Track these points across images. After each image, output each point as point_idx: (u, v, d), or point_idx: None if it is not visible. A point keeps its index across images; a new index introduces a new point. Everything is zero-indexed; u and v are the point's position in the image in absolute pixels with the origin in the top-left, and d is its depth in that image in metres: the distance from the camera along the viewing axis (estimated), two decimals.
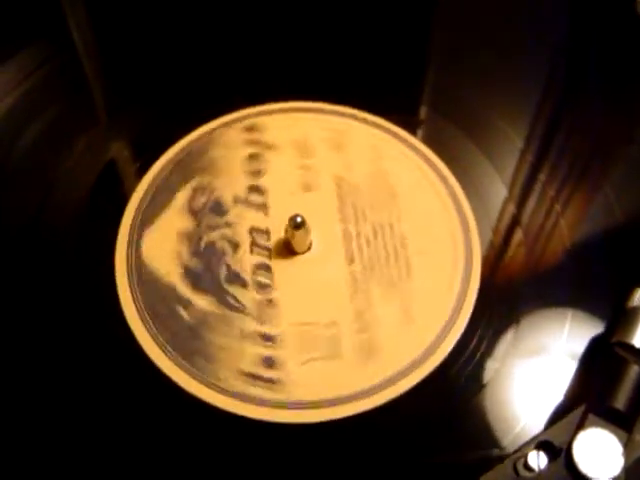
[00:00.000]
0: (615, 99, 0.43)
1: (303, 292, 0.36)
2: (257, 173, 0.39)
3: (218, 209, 0.38)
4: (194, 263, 0.36)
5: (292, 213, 0.35)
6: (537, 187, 0.40)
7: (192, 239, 0.37)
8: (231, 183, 0.39)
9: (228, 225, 0.38)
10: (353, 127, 0.41)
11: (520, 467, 0.30)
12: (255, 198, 0.39)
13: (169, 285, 0.36)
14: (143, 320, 0.35)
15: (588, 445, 0.30)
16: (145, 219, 0.38)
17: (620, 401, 0.30)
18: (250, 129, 0.41)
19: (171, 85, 0.44)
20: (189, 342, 0.34)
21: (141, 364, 0.34)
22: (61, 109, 0.43)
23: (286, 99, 0.43)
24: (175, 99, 0.43)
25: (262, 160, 0.40)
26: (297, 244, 0.36)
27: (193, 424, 0.32)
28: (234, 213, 0.38)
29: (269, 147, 0.41)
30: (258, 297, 0.35)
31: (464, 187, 0.39)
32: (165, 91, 0.44)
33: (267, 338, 0.34)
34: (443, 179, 0.39)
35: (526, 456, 0.30)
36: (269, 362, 0.34)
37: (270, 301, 0.35)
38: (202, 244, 0.37)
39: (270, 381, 0.33)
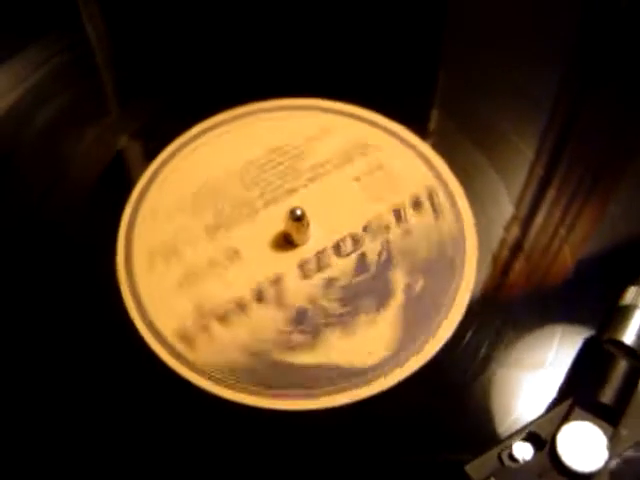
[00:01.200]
0: (630, 112, 0.43)
1: None
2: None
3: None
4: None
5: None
6: (544, 201, 0.39)
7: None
8: None
9: None
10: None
11: (505, 457, 0.30)
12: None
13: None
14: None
15: (573, 437, 0.29)
16: None
17: (607, 396, 0.30)
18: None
19: (184, 76, 0.45)
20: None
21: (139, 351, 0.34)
22: (73, 98, 0.43)
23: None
24: (189, 89, 0.44)
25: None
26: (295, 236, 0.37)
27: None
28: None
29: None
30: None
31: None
32: (177, 81, 0.44)
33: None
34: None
35: (511, 447, 0.30)
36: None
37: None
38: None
39: None
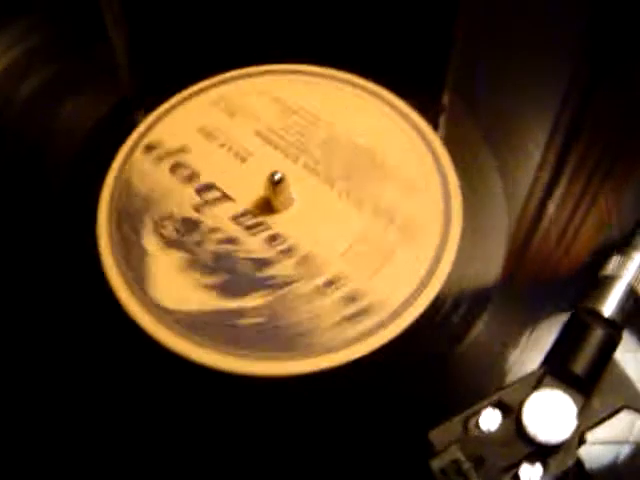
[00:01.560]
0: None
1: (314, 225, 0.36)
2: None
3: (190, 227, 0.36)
4: (215, 279, 0.35)
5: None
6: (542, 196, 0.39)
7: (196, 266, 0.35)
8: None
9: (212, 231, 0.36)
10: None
11: (471, 425, 0.29)
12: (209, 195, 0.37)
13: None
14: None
15: (541, 406, 0.28)
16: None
17: (580, 365, 0.29)
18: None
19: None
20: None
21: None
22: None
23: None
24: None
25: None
26: (276, 201, 0.36)
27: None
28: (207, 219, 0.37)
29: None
30: (291, 261, 0.35)
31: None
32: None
33: (328, 283, 0.34)
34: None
35: (479, 414, 0.29)
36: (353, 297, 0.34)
37: (305, 257, 0.35)
38: (210, 258, 0.35)
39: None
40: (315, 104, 0.40)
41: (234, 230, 0.36)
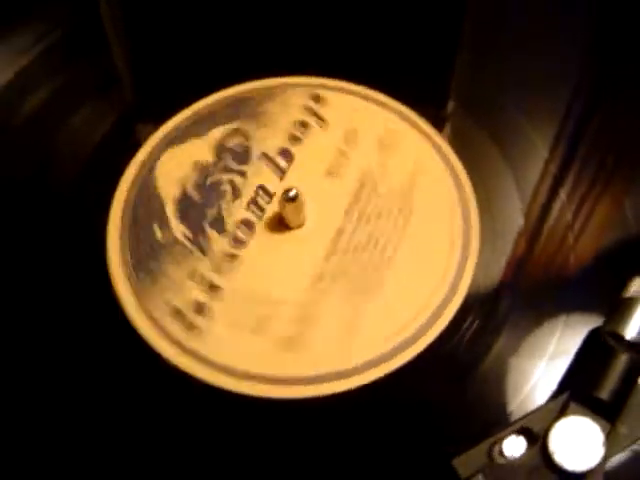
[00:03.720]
0: None
1: (269, 263, 0.34)
2: (296, 140, 0.38)
3: (242, 156, 0.38)
4: (193, 193, 0.36)
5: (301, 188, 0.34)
6: (555, 197, 0.38)
7: (204, 172, 0.37)
8: (268, 139, 0.38)
9: (242, 174, 0.37)
10: (408, 133, 0.39)
11: (495, 452, 0.28)
12: (280, 161, 0.38)
13: (160, 203, 0.36)
14: (123, 220, 0.36)
15: (567, 434, 0.28)
16: (172, 140, 0.38)
17: (605, 391, 0.28)
18: (315, 99, 0.40)
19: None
20: (146, 258, 0.34)
21: (97, 252, 0.34)
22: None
23: (359, 81, 0.41)
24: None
25: (308, 130, 0.39)
26: (288, 217, 0.35)
27: (107, 329, 0.33)
28: (254, 166, 0.37)
29: (321, 121, 0.39)
30: (227, 249, 0.35)
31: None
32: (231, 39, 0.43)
33: (212, 287, 0.33)
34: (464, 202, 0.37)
35: (502, 441, 0.28)
36: (200, 308, 0.33)
37: (235, 257, 0.34)
38: (209, 180, 0.37)
39: (191, 325, 0.32)
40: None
41: (248, 191, 0.36)
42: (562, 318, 0.33)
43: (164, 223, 0.35)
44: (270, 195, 0.36)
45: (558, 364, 0.32)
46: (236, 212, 0.36)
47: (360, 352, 0.32)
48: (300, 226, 0.35)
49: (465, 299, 0.33)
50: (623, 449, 0.28)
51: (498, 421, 0.30)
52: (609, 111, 0.42)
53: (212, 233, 0.35)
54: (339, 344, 0.32)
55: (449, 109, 0.41)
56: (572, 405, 0.28)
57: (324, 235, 0.35)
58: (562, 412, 0.28)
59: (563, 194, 0.38)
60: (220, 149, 0.38)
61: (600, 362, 0.29)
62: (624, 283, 0.32)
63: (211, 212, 0.36)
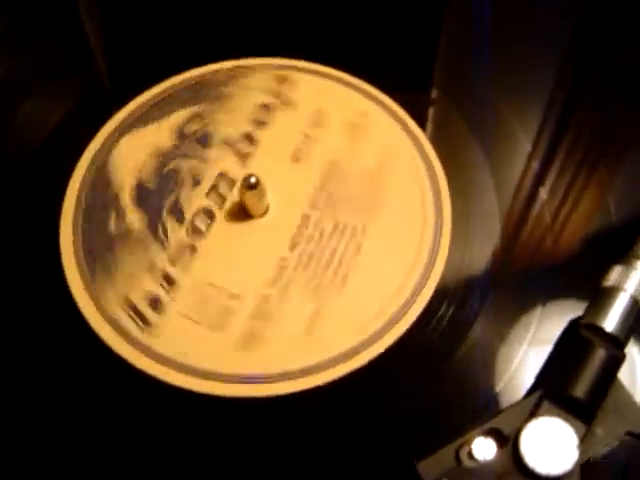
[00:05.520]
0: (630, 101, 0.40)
1: (229, 255, 0.32)
2: (260, 124, 0.36)
3: (203, 141, 0.36)
4: (151, 181, 0.34)
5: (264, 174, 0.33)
6: (535, 184, 0.36)
7: (162, 158, 0.35)
8: (230, 123, 0.36)
9: (203, 160, 0.35)
10: (379, 116, 0.37)
11: (463, 455, 0.26)
12: (243, 147, 0.36)
13: (116, 191, 0.34)
14: (77, 210, 0.34)
15: (539, 436, 0.26)
16: (130, 125, 0.36)
17: (581, 389, 0.26)
18: (280, 80, 0.38)
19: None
20: (101, 249, 0.32)
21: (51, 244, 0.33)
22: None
23: (329, 63, 0.39)
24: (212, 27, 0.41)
25: (272, 113, 0.37)
26: (249, 206, 0.33)
27: (59, 322, 0.31)
28: (216, 152, 0.35)
29: (286, 103, 0.37)
30: (185, 239, 0.33)
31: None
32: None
33: (168, 280, 0.32)
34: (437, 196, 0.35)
35: (471, 443, 0.26)
36: (155, 303, 0.31)
37: (193, 248, 0.32)
38: (168, 166, 0.35)
39: (145, 321, 0.31)
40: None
41: (208, 178, 0.35)
42: (538, 310, 0.31)
43: (119, 212, 0.33)
44: (232, 182, 0.34)
45: (535, 357, 0.30)
46: (195, 200, 0.34)
47: (325, 348, 0.30)
48: (263, 214, 0.33)
49: (437, 290, 0.31)
50: (598, 452, 0.26)
51: (469, 420, 0.28)
52: (593, 99, 0.40)
53: (170, 223, 0.33)
54: (303, 340, 0.30)
55: (431, 95, 0.39)
56: (545, 404, 0.26)
57: (288, 224, 0.33)
58: (534, 412, 0.26)
59: (545, 182, 0.36)
60: (180, 134, 0.36)
61: (576, 357, 0.27)
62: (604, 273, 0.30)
63: (169, 201, 0.34)
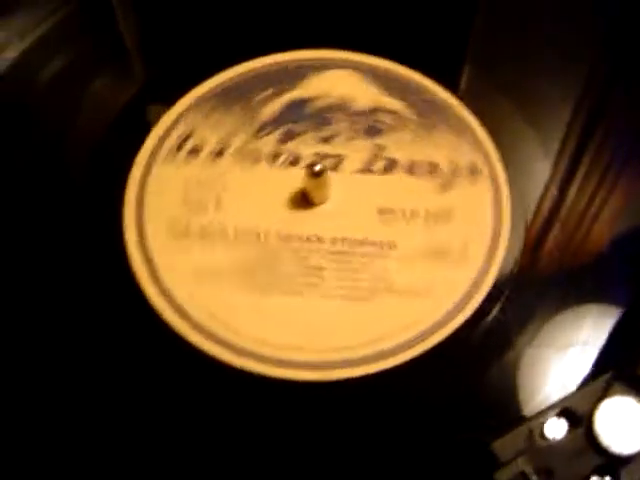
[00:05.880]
0: None
1: None
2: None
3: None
4: None
5: None
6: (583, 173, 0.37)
7: None
8: None
9: None
10: None
11: (536, 435, 0.27)
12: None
13: None
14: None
15: (612, 415, 0.26)
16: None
17: None
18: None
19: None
20: None
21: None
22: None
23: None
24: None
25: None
26: (312, 194, 0.34)
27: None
28: None
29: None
30: None
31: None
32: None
33: None
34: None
35: (544, 424, 0.27)
36: None
37: None
38: None
39: None
40: None
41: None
42: (592, 301, 0.32)
43: None
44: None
45: (590, 349, 0.31)
46: None
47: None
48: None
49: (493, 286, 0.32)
50: None
51: (532, 407, 0.29)
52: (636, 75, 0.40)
53: None
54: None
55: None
56: (616, 385, 0.27)
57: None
58: (606, 392, 0.27)
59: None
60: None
61: None
62: None
63: None
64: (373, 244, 0.33)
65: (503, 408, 0.30)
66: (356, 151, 0.35)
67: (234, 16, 0.41)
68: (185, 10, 0.41)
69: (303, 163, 0.35)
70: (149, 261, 0.32)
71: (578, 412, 0.27)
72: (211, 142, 0.35)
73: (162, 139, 0.35)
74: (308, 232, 0.33)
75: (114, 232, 0.33)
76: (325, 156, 0.35)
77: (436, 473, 0.28)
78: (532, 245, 0.34)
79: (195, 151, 0.35)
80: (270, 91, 0.37)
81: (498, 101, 0.38)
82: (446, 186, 0.34)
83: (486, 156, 0.35)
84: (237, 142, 0.35)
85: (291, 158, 0.35)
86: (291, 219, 0.33)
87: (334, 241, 0.33)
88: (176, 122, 0.36)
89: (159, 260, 0.32)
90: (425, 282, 0.32)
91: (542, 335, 0.31)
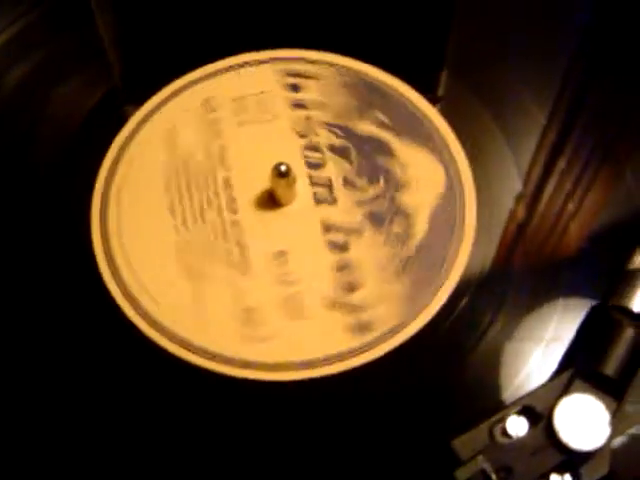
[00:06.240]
0: None
1: None
2: None
3: None
4: None
5: None
6: (553, 169, 0.36)
7: None
8: None
9: None
10: None
11: (497, 432, 0.27)
12: None
13: None
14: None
15: (572, 412, 0.26)
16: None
17: (611, 367, 0.27)
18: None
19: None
20: None
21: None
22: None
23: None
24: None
25: None
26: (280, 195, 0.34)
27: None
28: None
29: None
30: None
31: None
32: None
33: None
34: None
35: (505, 421, 0.27)
36: None
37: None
38: None
39: None
40: None
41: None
42: (561, 297, 0.32)
43: None
44: None
45: (557, 345, 0.31)
46: None
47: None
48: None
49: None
50: (630, 427, 0.27)
51: (496, 404, 0.29)
52: (610, 77, 0.40)
53: None
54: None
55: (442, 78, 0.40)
56: (577, 382, 0.27)
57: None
58: (566, 390, 0.27)
59: (562, 165, 0.36)
60: None
61: (605, 337, 0.28)
62: (625, 257, 0.30)
63: None
64: None
65: (465, 406, 0.30)
66: None
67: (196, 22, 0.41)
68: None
69: None
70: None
71: (538, 409, 0.27)
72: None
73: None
74: None
75: (80, 226, 0.34)
76: None
77: (397, 472, 0.28)
78: (501, 243, 0.34)
79: None
80: None
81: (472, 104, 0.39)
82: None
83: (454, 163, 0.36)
84: None
85: None
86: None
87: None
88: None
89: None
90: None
91: (508, 332, 0.31)
